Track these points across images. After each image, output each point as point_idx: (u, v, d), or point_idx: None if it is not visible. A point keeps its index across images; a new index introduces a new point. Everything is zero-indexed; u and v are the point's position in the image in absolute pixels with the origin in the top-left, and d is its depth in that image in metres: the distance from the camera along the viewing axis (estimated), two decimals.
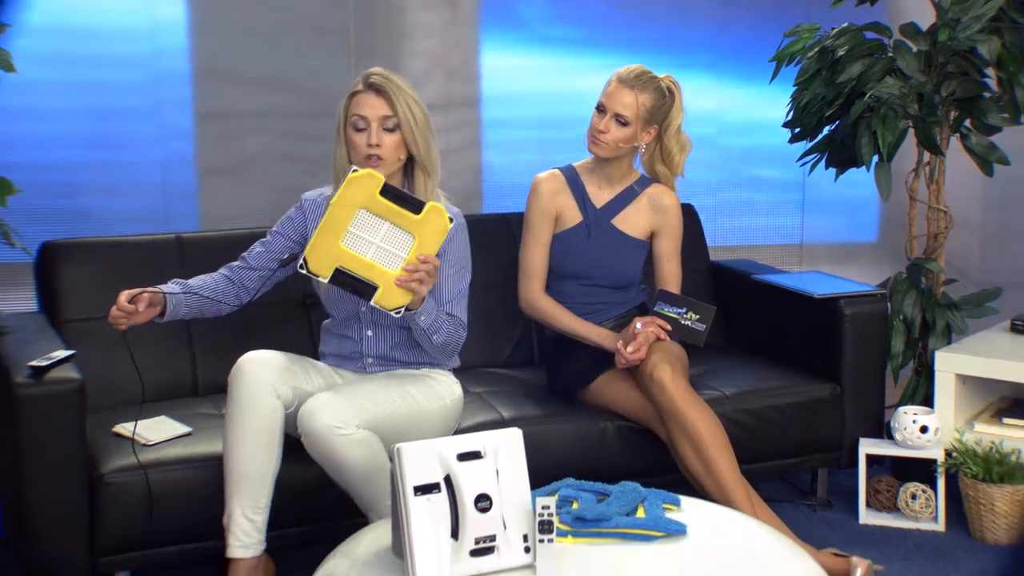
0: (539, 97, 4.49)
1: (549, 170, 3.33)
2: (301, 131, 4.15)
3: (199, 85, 3.99)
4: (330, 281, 2.69)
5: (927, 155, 3.60)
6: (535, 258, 3.24)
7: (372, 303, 2.68)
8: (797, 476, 3.63)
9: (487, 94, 4.43)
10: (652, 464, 3.04)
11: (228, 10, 4.03)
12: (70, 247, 3.19)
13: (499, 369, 3.50)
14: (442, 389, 2.92)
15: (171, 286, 2.74)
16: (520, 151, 4.48)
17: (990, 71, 3.46)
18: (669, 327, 3.06)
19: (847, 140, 3.57)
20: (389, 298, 2.68)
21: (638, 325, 3.02)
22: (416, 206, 2.65)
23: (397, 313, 2.69)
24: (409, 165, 2.83)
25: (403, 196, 2.67)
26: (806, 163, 3.80)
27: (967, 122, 3.55)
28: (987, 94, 3.45)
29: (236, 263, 2.92)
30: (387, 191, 2.66)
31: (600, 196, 3.28)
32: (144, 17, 3.92)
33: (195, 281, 2.83)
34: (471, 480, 2.21)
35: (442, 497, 2.20)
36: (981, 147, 3.51)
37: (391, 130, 2.78)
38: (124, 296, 2.66)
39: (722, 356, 3.57)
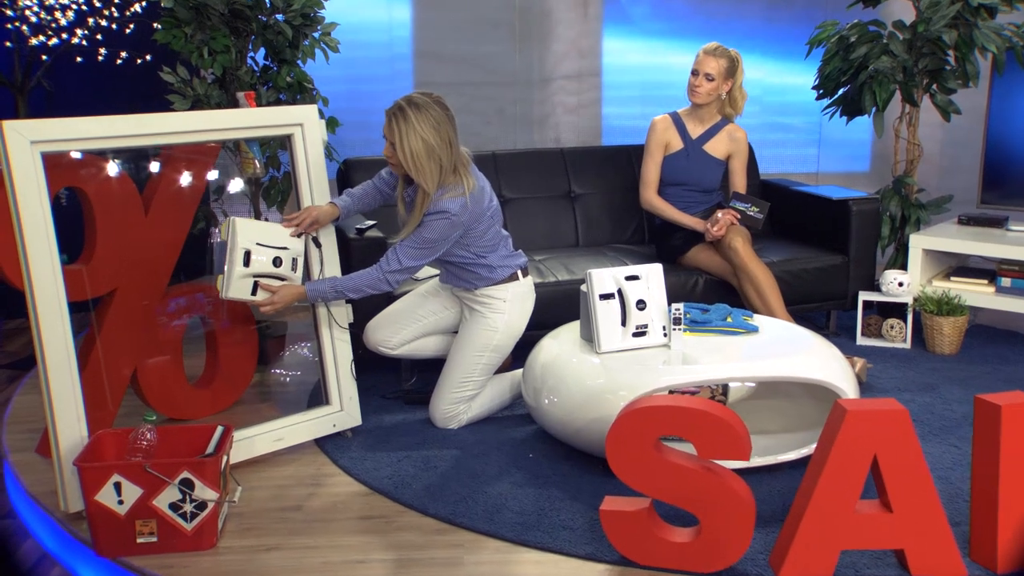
0: (641, 70, 5.32)
1: (662, 114, 4.05)
2: (482, 94, 5.00)
3: (418, 62, 5.00)
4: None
5: (908, 107, 4.36)
6: (651, 172, 4.02)
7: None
8: (817, 316, 4.35)
9: (606, 68, 5.31)
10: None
11: (438, 13, 4.99)
12: (358, 161, 4.12)
13: (623, 244, 4.35)
14: (493, 321, 3.19)
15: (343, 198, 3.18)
16: (627, 106, 5.33)
17: (950, 52, 4.15)
18: (739, 216, 3.81)
19: (855, 97, 4.31)
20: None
21: (719, 214, 3.79)
22: None
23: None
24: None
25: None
26: (827, 113, 4.48)
27: (934, 86, 4.28)
28: (948, 67, 4.18)
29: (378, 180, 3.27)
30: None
31: (695, 131, 4.01)
32: (384, 17, 4.89)
33: (356, 189, 3.23)
34: (633, 291, 2.90)
35: (616, 301, 2.90)
36: (943, 102, 4.28)
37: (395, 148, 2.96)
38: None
39: (771, 238, 4.28)
